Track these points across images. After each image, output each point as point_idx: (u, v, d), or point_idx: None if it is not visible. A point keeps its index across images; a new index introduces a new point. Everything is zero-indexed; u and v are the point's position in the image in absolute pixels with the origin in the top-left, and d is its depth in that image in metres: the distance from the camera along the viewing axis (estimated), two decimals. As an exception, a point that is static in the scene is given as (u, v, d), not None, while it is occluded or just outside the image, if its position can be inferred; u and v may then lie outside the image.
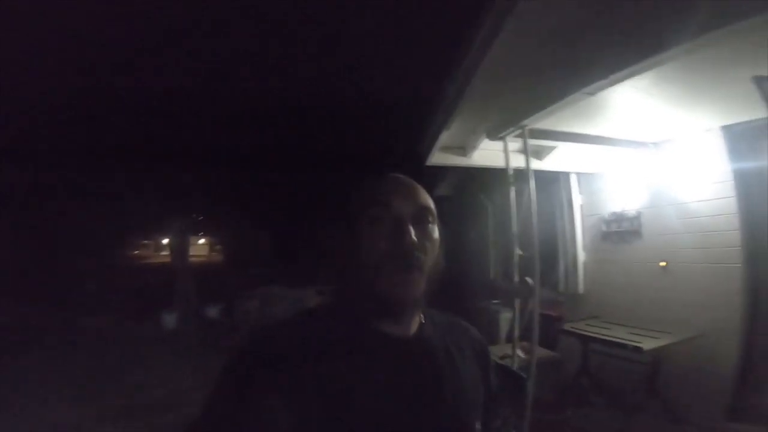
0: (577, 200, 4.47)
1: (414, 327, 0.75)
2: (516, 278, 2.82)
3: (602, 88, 1.99)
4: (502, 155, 3.03)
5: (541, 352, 3.27)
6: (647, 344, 2.84)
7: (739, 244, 2.95)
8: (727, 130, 3.01)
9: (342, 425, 0.61)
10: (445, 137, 3.21)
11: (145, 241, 25.78)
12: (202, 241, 23.66)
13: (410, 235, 0.66)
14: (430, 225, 0.71)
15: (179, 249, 9.40)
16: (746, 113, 2.68)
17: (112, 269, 12.89)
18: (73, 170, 8.62)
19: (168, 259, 10.79)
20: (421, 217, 0.70)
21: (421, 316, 0.77)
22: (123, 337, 7.26)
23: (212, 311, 8.44)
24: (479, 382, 0.81)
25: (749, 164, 2.95)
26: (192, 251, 11.51)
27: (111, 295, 9.88)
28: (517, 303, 2.85)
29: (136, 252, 24.02)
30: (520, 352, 2.91)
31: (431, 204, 0.73)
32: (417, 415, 0.66)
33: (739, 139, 3.00)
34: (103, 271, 11.81)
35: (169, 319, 8.03)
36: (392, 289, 0.66)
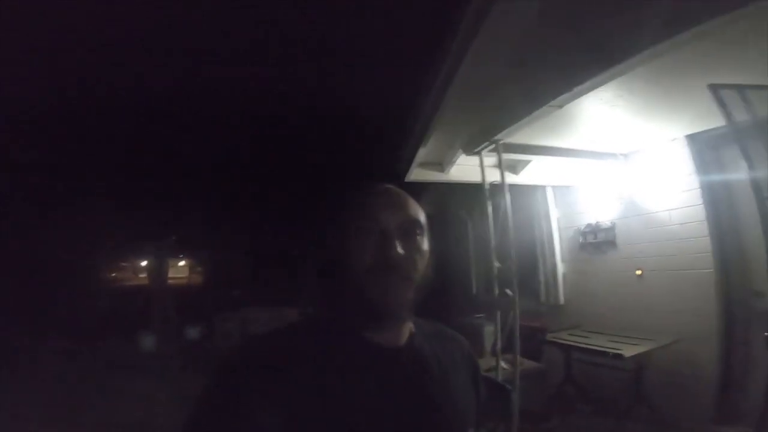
0: (554, 213, 4.56)
1: (404, 336, 0.75)
2: (496, 291, 2.83)
3: (568, 101, 2.06)
4: (478, 170, 3.07)
5: (525, 363, 3.28)
6: (628, 351, 2.87)
7: (709, 250, 3.03)
8: (692, 138, 3.12)
9: None
10: (422, 153, 3.25)
11: (124, 263, 25.01)
12: (182, 263, 23.14)
13: (396, 248, 0.66)
14: (418, 237, 0.71)
15: (158, 270, 9.17)
16: (709, 121, 2.78)
17: (88, 291, 12.46)
18: (47, 186, 8.37)
19: (146, 281, 10.47)
20: (409, 230, 0.70)
21: (411, 325, 0.77)
22: (98, 359, 6.98)
23: (192, 333, 8.22)
24: (470, 391, 0.81)
25: (714, 172, 3.07)
26: (172, 273, 11.24)
27: (86, 317, 9.52)
28: (499, 315, 2.85)
29: (113, 274, 23.30)
30: (504, 364, 2.90)
31: (420, 216, 0.73)
32: (410, 424, 0.66)
33: (704, 147, 3.12)
34: (79, 292, 11.41)
35: (147, 341, 7.78)
36: (379, 300, 0.66)
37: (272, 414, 0.58)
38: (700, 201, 3.09)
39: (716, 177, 3.08)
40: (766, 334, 1.89)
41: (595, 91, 1.98)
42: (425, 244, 0.73)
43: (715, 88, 1.89)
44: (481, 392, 0.86)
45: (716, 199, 3.08)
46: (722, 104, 1.86)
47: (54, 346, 7.77)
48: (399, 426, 0.65)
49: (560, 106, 2.13)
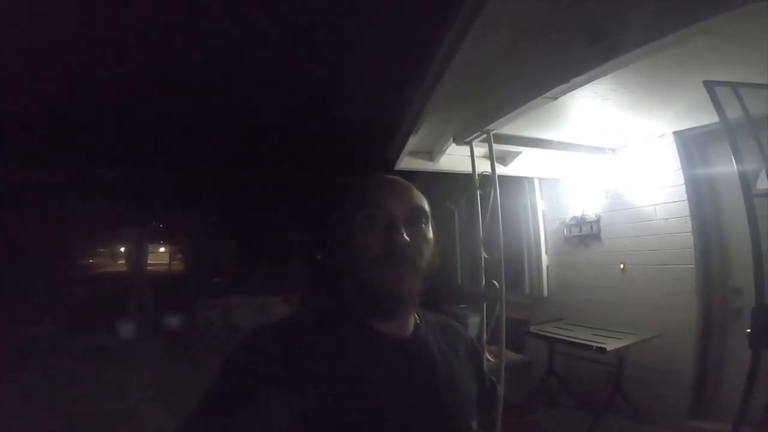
0: (540, 205, 4.57)
1: (410, 326, 0.75)
2: (483, 282, 2.82)
3: (563, 93, 2.03)
4: (468, 160, 3.04)
5: (509, 355, 3.29)
6: (610, 345, 2.91)
7: (691, 245, 3.08)
8: (679, 135, 3.15)
9: (341, 425, 0.60)
10: (413, 142, 3.20)
11: (101, 249, 24.59)
12: (162, 249, 22.82)
13: (402, 236, 0.67)
14: (423, 225, 0.72)
15: (136, 257, 8.95)
16: (699, 118, 2.80)
17: (64, 277, 12.16)
18: (23, 172, 8.08)
19: (126, 268, 10.22)
20: (414, 218, 0.71)
21: (416, 316, 0.78)
22: (74, 348, 6.80)
23: (172, 321, 8.08)
24: (473, 381, 0.82)
25: (699, 168, 3.11)
26: (152, 259, 11.01)
27: (62, 305, 9.29)
28: (485, 307, 2.85)
29: (91, 260, 22.95)
30: (489, 356, 2.91)
31: (425, 205, 0.74)
32: (416, 415, 0.67)
33: (691, 144, 3.15)
34: (55, 279, 11.10)
35: (125, 329, 7.60)
36: (386, 289, 0.66)
37: (282, 403, 0.58)
38: (684, 197, 3.13)
39: (701, 173, 3.12)
40: (747, 330, 1.91)
41: (590, 84, 1.95)
42: (430, 233, 0.73)
43: (710, 85, 1.88)
44: (485, 384, 0.88)
45: (700, 196, 3.12)
46: (716, 101, 1.86)
47: (31, 333, 7.58)
48: (405, 416, 0.65)
49: (555, 98, 2.10)
